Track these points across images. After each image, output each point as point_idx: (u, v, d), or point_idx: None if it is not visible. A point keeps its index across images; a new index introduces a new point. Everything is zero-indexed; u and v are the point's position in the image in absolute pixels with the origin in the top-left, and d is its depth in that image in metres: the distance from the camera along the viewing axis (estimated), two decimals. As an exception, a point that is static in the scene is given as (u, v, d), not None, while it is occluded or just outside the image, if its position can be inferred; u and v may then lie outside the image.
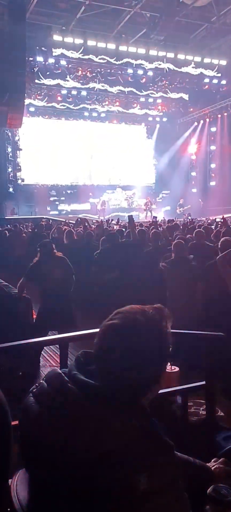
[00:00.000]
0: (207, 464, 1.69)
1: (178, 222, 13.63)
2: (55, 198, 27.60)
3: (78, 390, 1.21)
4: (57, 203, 27.47)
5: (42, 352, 5.55)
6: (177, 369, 3.51)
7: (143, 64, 21.91)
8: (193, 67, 22.28)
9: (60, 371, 1.29)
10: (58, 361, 5.53)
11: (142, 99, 26.65)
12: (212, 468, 1.67)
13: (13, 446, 1.15)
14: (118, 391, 1.19)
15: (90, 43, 19.70)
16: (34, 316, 5.78)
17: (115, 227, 12.29)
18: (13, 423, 1.10)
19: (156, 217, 14.97)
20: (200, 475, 1.61)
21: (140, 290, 5.76)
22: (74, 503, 1.11)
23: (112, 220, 14.76)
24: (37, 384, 1.31)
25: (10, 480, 1.37)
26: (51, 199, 27.36)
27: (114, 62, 21.18)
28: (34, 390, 1.29)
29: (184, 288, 5.18)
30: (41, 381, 1.30)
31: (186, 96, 26.09)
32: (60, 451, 1.13)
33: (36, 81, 22.31)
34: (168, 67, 21.96)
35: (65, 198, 27.84)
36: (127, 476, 1.08)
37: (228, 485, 1.41)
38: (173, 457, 1.20)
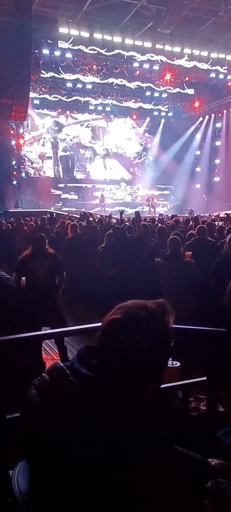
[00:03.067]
0: (207, 459, 1.70)
1: (180, 218, 13.63)
2: (59, 191, 27.63)
3: (80, 384, 1.22)
4: (60, 195, 27.50)
5: (44, 346, 5.55)
6: (178, 364, 3.51)
7: (149, 58, 21.77)
8: (199, 62, 22.14)
9: (62, 365, 1.29)
10: (61, 354, 5.55)
11: (148, 93, 26.56)
12: (212, 463, 1.68)
13: (15, 437, 1.16)
14: (119, 385, 1.20)
15: (97, 36, 19.63)
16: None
17: (113, 221, 12.31)
18: (15, 415, 1.12)
19: (162, 215, 15.04)
20: (199, 469, 1.62)
21: (143, 285, 5.76)
22: (75, 495, 1.12)
23: (111, 214, 14.74)
24: (39, 377, 1.31)
25: (11, 471, 1.38)
26: (55, 192, 27.38)
27: (121, 55, 21.05)
28: (36, 383, 1.30)
29: (176, 284, 5.18)
30: (43, 374, 1.31)
31: (191, 91, 25.96)
32: (61, 444, 1.14)
33: (41, 73, 22.25)
34: (173, 62, 21.83)
35: (69, 192, 27.86)
36: (128, 470, 1.09)
37: (227, 480, 1.42)
38: (174, 452, 1.21)
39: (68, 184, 28.04)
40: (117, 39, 20.10)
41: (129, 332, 1.23)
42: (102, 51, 20.43)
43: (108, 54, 20.65)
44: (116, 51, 20.65)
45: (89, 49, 20.32)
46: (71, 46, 19.99)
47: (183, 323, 3.04)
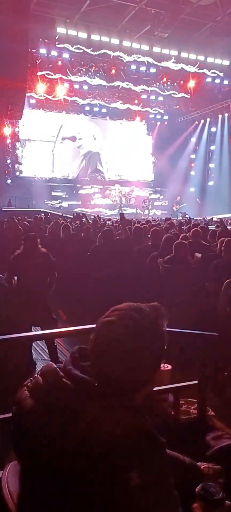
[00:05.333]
0: (196, 462, 1.71)
1: (174, 221, 13.66)
2: (53, 191, 27.57)
3: (73, 386, 1.22)
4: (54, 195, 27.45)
5: (34, 346, 5.54)
6: (169, 367, 3.53)
7: (152, 62, 21.77)
8: (195, 66, 22.21)
9: (55, 366, 1.30)
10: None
11: (144, 96, 26.63)
12: (202, 466, 1.69)
13: (5, 438, 1.16)
14: (111, 387, 1.20)
15: (94, 37, 19.61)
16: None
17: (107, 222, 12.33)
18: (6, 415, 1.11)
19: (155, 219, 15.06)
20: (189, 473, 1.63)
21: (132, 288, 5.75)
22: (65, 497, 1.12)
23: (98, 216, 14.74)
24: (31, 378, 1.31)
25: (1, 472, 1.38)
26: (49, 192, 27.33)
27: (124, 58, 21.01)
28: (28, 384, 1.30)
29: (181, 287, 5.19)
30: (36, 375, 1.31)
31: (187, 95, 26.07)
32: (53, 445, 1.14)
33: (38, 73, 22.19)
34: (170, 65, 21.88)
35: (63, 192, 27.81)
36: (119, 472, 1.09)
37: (216, 484, 1.42)
38: (165, 455, 1.22)
39: (63, 183, 28.00)
40: (115, 40, 20.09)
41: (123, 335, 1.24)
42: (99, 52, 20.40)
43: (95, 53, 20.43)
44: (102, 51, 20.51)
45: (87, 50, 20.23)
46: (69, 46, 19.94)
47: (187, 326, 3.06)
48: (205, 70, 22.71)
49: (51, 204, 26.19)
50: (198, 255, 5.81)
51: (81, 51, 20.28)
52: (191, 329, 3.00)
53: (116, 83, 24.09)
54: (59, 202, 26.98)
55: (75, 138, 28.75)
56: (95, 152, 29.44)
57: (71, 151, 28.69)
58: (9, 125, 25.67)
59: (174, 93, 25.52)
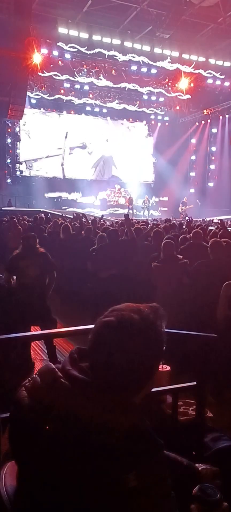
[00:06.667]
0: (194, 464, 1.71)
1: (174, 221, 13.66)
2: (54, 191, 27.58)
3: (71, 386, 1.22)
4: (55, 197, 27.46)
5: (33, 346, 5.54)
6: (168, 368, 3.53)
7: (147, 62, 21.71)
8: (196, 67, 22.18)
9: (53, 366, 1.29)
10: (50, 355, 5.52)
11: (145, 97, 26.63)
12: (199, 468, 1.69)
13: (3, 438, 1.16)
14: (110, 388, 1.20)
15: (96, 37, 19.57)
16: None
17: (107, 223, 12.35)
18: (4, 415, 1.11)
19: (156, 219, 14.99)
20: (186, 474, 1.63)
21: (135, 288, 5.77)
22: (62, 497, 1.12)
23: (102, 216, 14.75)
24: (29, 378, 1.31)
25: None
26: (50, 192, 27.34)
27: (119, 58, 20.94)
28: (26, 384, 1.30)
29: (174, 286, 5.23)
30: (34, 375, 1.31)
31: (188, 96, 26.05)
32: (50, 446, 1.15)
33: (39, 73, 22.18)
34: (171, 66, 21.84)
35: (64, 192, 27.83)
36: (116, 473, 1.09)
37: (214, 485, 1.43)
38: (162, 456, 1.22)
39: (63, 183, 28.01)
40: (116, 41, 20.03)
41: (122, 335, 1.24)
42: (100, 52, 20.35)
43: (89, 52, 20.24)
44: (116, 53, 20.42)
45: (81, 49, 20.03)
46: (70, 46, 19.91)
47: (177, 326, 3.06)
48: (201, 71, 22.63)
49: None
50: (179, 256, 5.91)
51: (76, 49, 20.10)
52: (181, 327, 3.00)
53: (122, 85, 23.97)
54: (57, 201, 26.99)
55: (85, 146, 28.73)
56: (109, 156, 29.42)
57: (81, 159, 28.64)
58: (10, 125, 25.71)
59: (179, 95, 25.50)
